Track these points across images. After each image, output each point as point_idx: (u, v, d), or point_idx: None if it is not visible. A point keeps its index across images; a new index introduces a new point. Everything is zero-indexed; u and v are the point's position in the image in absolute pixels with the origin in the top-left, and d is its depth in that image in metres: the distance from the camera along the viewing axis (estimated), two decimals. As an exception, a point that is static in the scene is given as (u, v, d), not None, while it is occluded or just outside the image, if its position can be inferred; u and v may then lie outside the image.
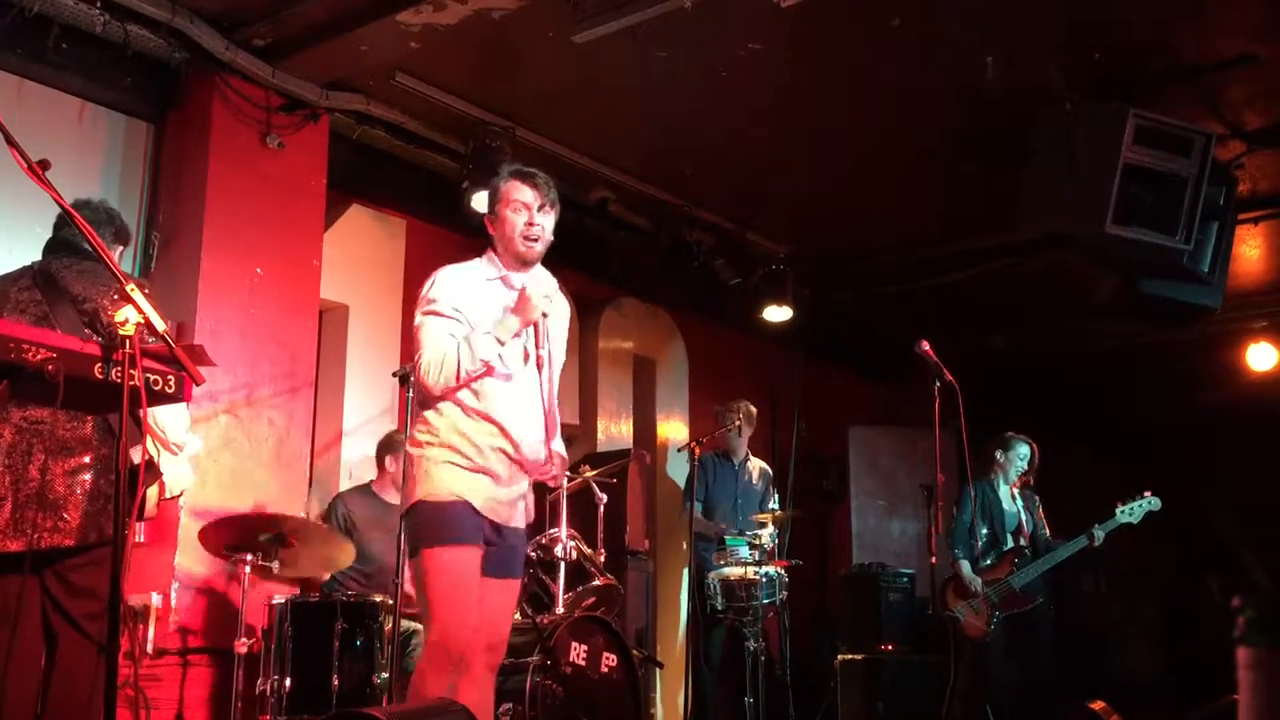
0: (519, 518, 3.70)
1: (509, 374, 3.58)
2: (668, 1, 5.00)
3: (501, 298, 3.62)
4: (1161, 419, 9.82)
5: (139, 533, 4.23)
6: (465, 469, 3.51)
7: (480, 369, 3.47)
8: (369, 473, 6.05)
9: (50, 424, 3.25)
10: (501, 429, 3.55)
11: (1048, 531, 6.66)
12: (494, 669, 3.68)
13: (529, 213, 3.62)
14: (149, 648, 5.00)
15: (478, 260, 3.73)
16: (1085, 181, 5.57)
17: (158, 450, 3.51)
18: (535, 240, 3.64)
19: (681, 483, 7.58)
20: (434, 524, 3.48)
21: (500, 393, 3.56)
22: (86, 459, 3.28)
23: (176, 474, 3.66)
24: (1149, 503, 6.37)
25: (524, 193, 3.63)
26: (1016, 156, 5.82)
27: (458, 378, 3.47)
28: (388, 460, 5.83)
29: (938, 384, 5.18)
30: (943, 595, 6.52)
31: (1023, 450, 6.71)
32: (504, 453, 3.55)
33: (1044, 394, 9.74)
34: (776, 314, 8.10)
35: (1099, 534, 6.31)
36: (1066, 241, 6.38)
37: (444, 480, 3.49)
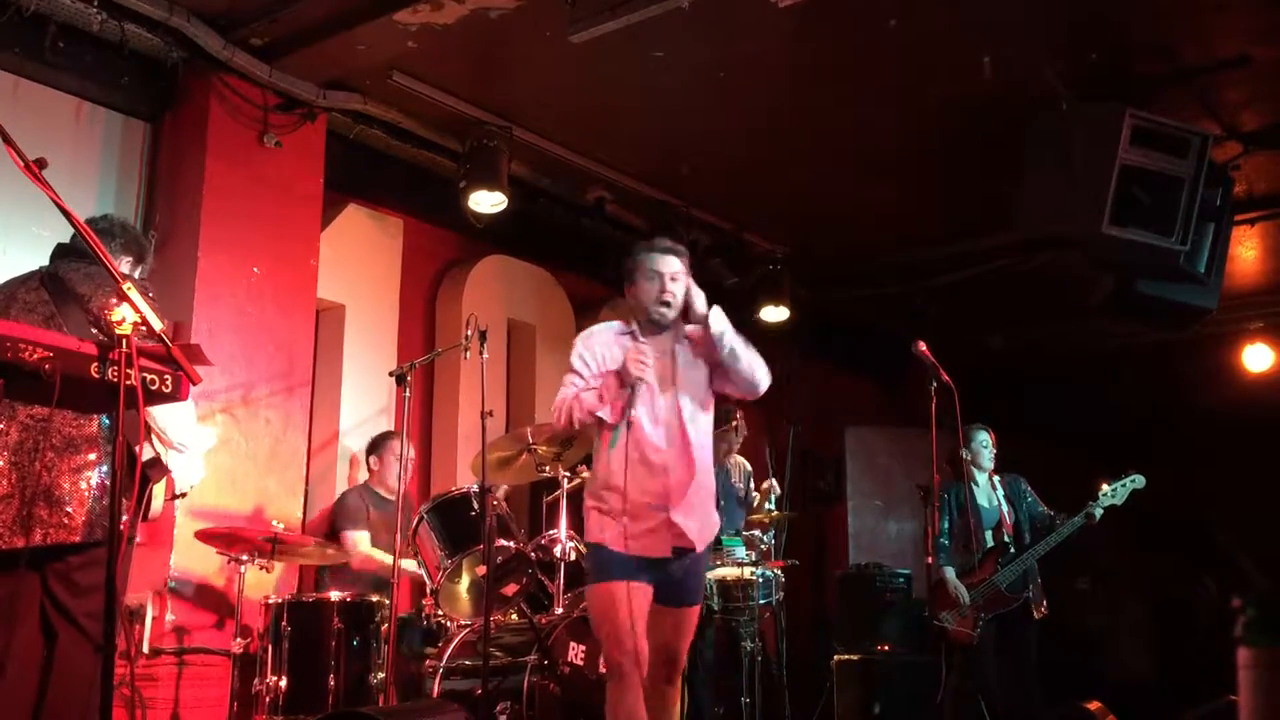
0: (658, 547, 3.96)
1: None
2: (665, 1, 5.00)
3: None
4: (1158, 420, 9.82)
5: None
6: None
7: (588, 419, 3.84)
8: (363, 472, 6.06)
9: (57, 422, 3.24)
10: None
11: (1044, 508, 6.51)
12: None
13: (661, 280, 3.89)
14: (145, 647, 4.99)
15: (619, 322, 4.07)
16: (1082, 182, 5.57)
17: (164, 449, 3.50)
18: (667, 306, 3.88)
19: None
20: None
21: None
22: (92, 456, 3.27)
23: (186, 470, 3.64)
24: (1133, 481, 6.22)
25: (658, 263, 3.91)
26: (1013, 157, 5.81)
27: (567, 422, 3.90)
28: (371, 460, 5.91)
29: (934, 384, 5.17)
30: (930, 601, 6.49)
31: (983, 436, 6.57)
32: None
33: (1040, 395, 9.75)
34: (773, 314, 8.09)
35: (1096, 511, 6.13)
36: (1064, 242, 6.38)
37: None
